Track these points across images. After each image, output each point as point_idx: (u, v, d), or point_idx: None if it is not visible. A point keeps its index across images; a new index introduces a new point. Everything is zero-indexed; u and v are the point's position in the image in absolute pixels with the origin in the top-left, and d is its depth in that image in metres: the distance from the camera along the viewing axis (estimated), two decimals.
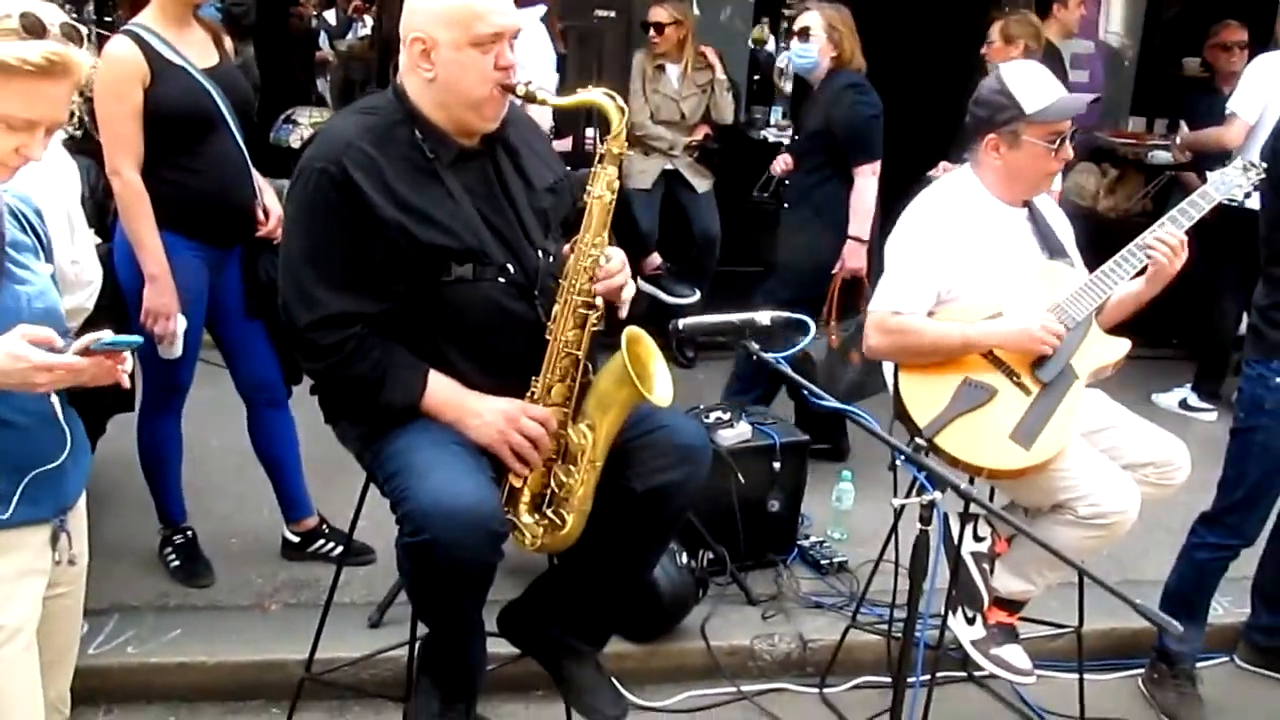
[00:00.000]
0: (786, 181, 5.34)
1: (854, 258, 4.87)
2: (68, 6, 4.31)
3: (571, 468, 2.73)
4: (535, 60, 4.48)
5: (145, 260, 3.36)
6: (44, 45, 1.91)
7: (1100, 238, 3.55)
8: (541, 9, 4.87)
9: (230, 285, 3.60)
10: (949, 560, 3.30)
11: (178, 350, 3.47)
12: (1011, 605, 3.38)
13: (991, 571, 3.34)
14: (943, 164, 5.51)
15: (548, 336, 2.69)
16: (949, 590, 3.31)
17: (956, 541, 3.30)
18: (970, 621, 3.32)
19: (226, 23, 5.11)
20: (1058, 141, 3.20)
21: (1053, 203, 3.51)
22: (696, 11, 7.71)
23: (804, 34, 4.92)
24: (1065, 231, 3.44)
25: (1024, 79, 3.25)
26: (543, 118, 3.85)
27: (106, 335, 1.95)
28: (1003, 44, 5.44)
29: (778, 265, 5.28)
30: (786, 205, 5.26)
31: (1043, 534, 2.99)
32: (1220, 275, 5.88)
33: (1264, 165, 3.19)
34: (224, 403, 3.95)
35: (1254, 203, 3.58)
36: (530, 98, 2.70)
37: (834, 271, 4.89)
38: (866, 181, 4.86)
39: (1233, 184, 3.18)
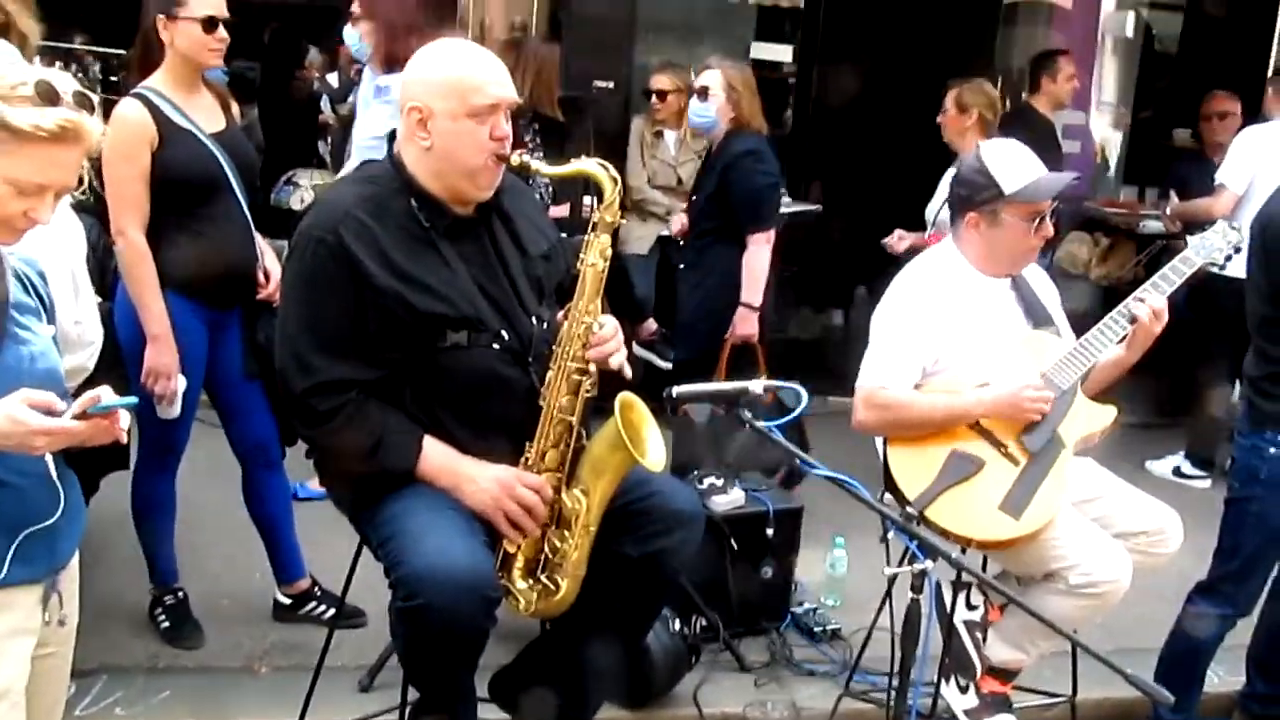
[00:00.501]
0: (681, 243, 5.34)
1: (745, 324, 4.79)
2: (74, 67, 4.37)
3: (566, 533, 2.74)
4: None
5: (148, 321, 3.38)
6: (57, 113, 1.95)
7: (1094, 305, 3.58)
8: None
9: (230, 346, 3.62)
10: (942, 628, 3.29)
11: (176, 410, 3.48)
12: (1004, 674, 3.37)
13: (985, 640, 3.33)
14: (898, 231, 5.54)
15: (541, 402, 2.71)
16: (942, 658, 3.30)
17: (949, 609, 3.30)
18: (963, 690, 3.31)
19: (232, 85, 5.16)
20: (1037, 220, 3.23)
21: (1038, 269, 3.54)
22: (694, 77, 7.81)
23: (703, 93, 4.87)
24: (1051, 298, 3.47)
25: (1003, 159, 3.28)
26: None
27: (104, 398, 1.97)
28: (956, 112, 5.41)
29: (675, 327, 5.27)
30: (682, 266, 5.23)
31: (1035, 603, 3.00)
32: (1210, 342, 5.90)
33: (1243, 228, 3.21)
34: (217, 463, 3.95)
35: (1237, 268, 3.60)
36: (525, 168, 2.75)
37: (725, 337, 4.82)
38: (759, 249, 4.76)
39: (1213, 248, 3.22)
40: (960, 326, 3.23)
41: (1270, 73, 7.37)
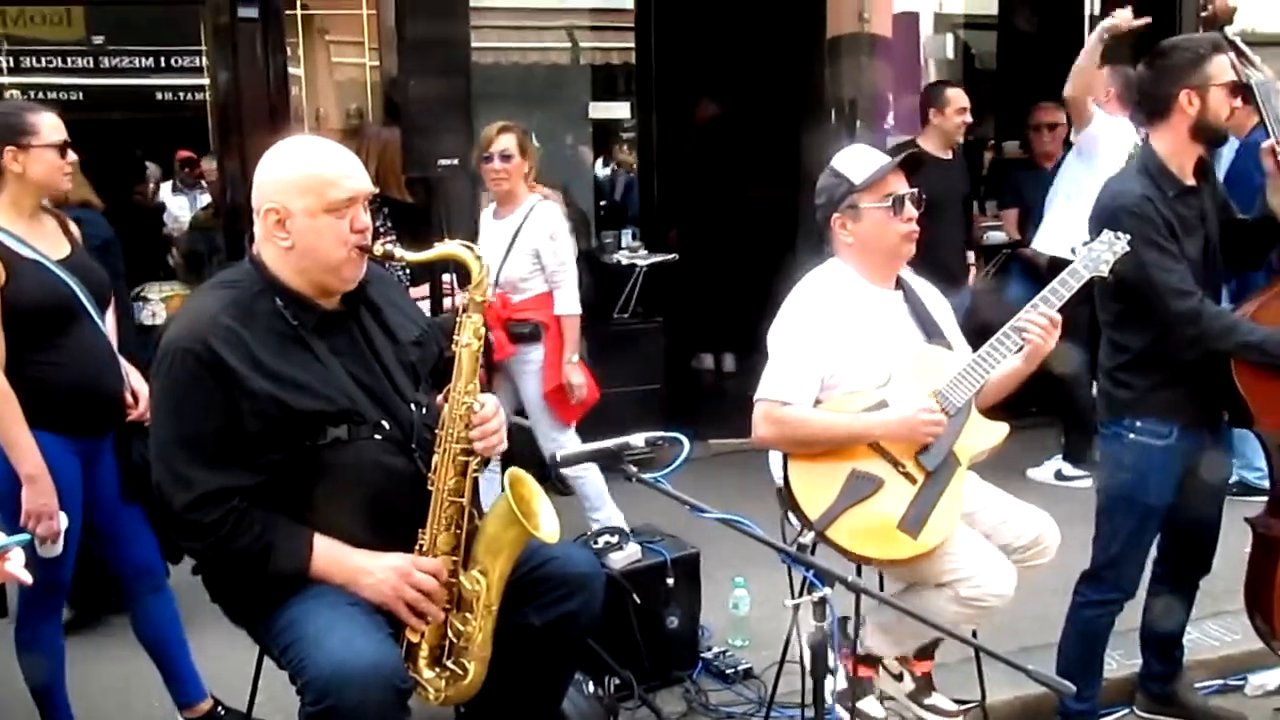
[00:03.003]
0: None
1: None
2: None
3: (468, 615, 2.73)
4: None
5: (20, 461, 3.25)
6: None
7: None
8: None
9: (105, 473, 3.52)
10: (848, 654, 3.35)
11: (59, 549, 3.37)
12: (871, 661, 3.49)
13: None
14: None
15: (430, 487, 2.70)
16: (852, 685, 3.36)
17: (853, 638, 3.36)
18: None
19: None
20: (893, 201, 3.30)
21: (927, 284, 3.62)
22: (536, 143, 7.87)
23: None
24: (942, 311, 3.55)
25: (850, 158, 3.41)
26: None
27: None
28: (521, 159, 5.04)
29: None
30: None
31: (920, 600, 3.17)
32: (1069, 344, 6.05)
33: (1126, 239, 3.28)
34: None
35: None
36: (388, 256, 2.77)
37: None
38: None
39: (1099, 259, 3.25)
40: (855, 338, 3.29)
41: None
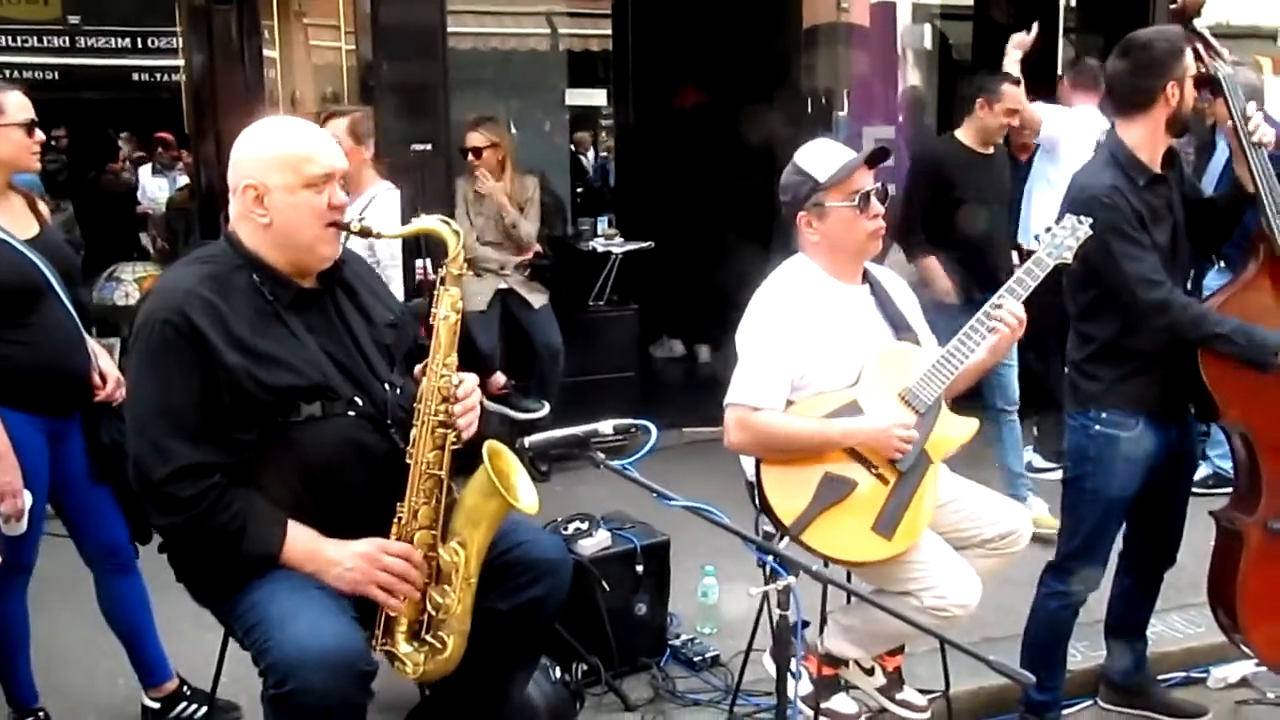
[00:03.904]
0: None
1: None
2: None
3: (446, 588, 2.74)
4: None
5: None
6: None
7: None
8: None
9: (72, 453, 3.51)
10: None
11: (24, 527, 3.36)
12: (835, 660, 3.49)
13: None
14: None
15: (408, 460, 2.71)
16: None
17: (820, 625, 3.37)
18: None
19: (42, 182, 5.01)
20: (859, 199, 3.25)
21: (891, 274, 3.59)
22: (514, 131, 7.86)
23: None
24: (908, 303, 3.52)
25: (813, 154, 3.34)
26: None
27: None
28: (354, 144, 4.65)
29: None
30: None
31: (885, 603, 3.11)
32: (1041, 337, 6.08)
33: (1089, 223, 3.26)
34: (65, 573, 3.82)
35: None
36: (365, 232, 2.78)
37: None
38: None
39: (1063, 247, 3.25)
40: (824, 338, 3.25)
41: (1062, 67, 7.69)
